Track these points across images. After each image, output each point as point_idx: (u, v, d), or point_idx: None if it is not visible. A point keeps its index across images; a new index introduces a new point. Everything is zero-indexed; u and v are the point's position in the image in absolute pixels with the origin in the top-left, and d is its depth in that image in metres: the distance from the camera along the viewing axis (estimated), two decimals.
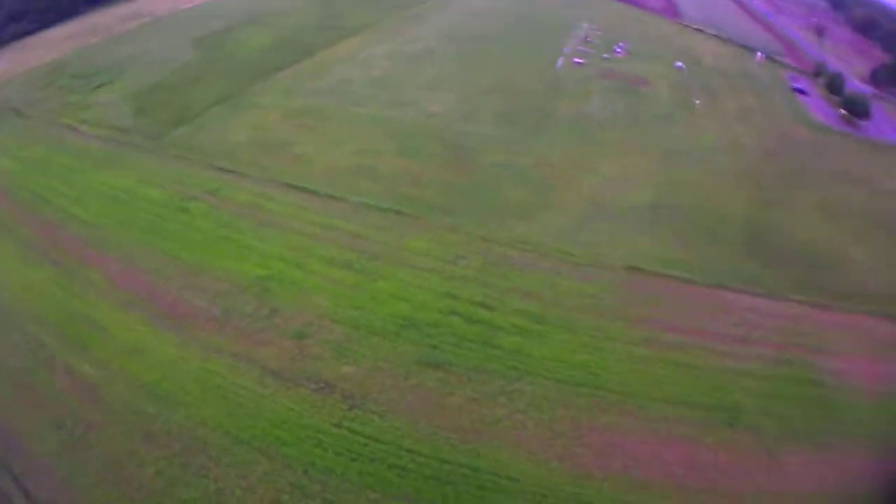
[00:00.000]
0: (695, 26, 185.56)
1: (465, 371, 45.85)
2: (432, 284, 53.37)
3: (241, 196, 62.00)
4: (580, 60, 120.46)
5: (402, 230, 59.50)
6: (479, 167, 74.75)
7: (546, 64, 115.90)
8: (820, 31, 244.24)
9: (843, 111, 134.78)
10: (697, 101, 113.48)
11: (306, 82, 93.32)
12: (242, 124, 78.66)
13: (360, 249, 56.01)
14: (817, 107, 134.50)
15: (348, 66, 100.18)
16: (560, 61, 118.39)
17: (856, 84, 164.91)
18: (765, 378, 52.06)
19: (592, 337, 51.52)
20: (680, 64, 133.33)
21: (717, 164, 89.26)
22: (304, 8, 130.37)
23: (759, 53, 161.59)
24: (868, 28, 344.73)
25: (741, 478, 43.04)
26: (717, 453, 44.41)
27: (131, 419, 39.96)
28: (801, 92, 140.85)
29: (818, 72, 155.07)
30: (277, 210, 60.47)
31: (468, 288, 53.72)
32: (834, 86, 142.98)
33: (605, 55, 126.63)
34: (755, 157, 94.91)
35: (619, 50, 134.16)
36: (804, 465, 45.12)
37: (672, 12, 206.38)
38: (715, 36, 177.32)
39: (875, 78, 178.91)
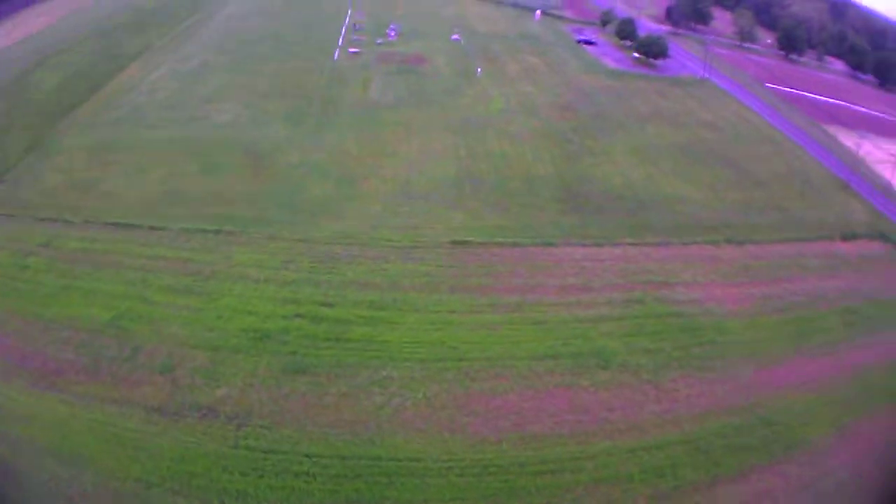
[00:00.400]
0: None
1: (330, 369, 52.84)
2: (270, 293, 61.09)
3: (72, 243, 68.92)
4: (355, 49, 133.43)
5: (227, 248, 67.92)
6: (280, 171, 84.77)
7: (323, 57, 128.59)
8: None
9: (636, 54, 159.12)
10: (479, 69, 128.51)
11: (101, 115, 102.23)
12: (54, 169, 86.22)
13: (194, 273, 63.49)
14: (609, 55, 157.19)
15: (136, 94, 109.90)
16: (336, 53, 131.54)
17: (650, 26, 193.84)
18: (621, 319, 62.49)
19: (438, 313, 59.88)
20: (456, 36, 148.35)
21: (514, 127, 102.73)
22: (83, 42, 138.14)
23: (536, 12, 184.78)
24: None
25: (632, 410, 52.19)
26: (599, 393, 53.18)
27: (49, 489, 43.44)
28: (589, 43, 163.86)
29: (606, 20, 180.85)
30: (107, 249, 67.63)
31: (304, 289, 61.72)
32: (625, 31, 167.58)
33: (378, 40, 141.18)
34: (551, 113, 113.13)
35: (391, 33, 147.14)
36: (692, 387, 55.51)
37: None
38: (486, 1, 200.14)
39: (670, 16, 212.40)
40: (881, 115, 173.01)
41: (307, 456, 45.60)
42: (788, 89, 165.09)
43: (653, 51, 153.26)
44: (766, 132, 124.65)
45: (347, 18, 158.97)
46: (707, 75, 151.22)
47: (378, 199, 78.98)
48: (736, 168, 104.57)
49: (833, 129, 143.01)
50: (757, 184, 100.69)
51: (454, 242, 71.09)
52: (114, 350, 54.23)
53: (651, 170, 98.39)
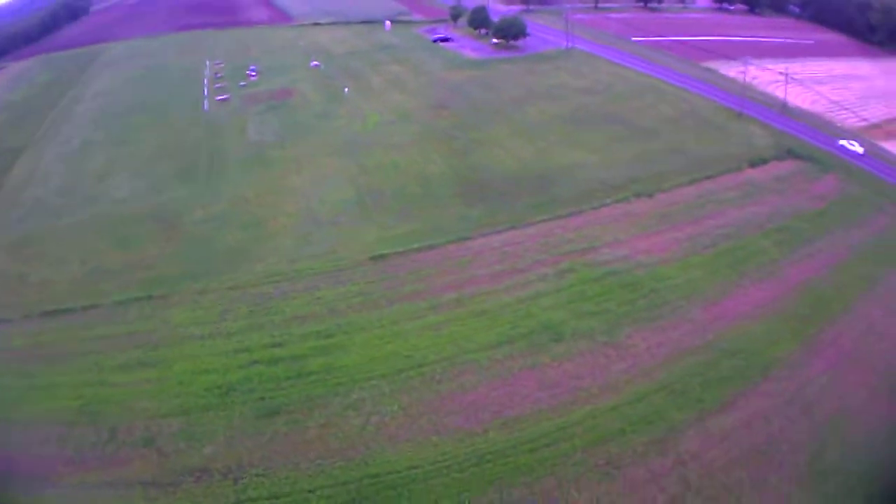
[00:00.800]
0: (309, 21, 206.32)
1: (302, 405, 54.40)
2: (220, 347, 61.87)
3: (17, 341, 67.82)
4: (223, 97, 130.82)
5: (163, 311, 67.98)
6: (189, 229, 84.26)
7: (194, 112, 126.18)
8: None
9: (495, 40, 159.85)
10: (346, 89, 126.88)
11: (7, 215, 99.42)
12: None
13: (141, 344, 63.50)
14: (467, 46, 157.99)
15: (32, 187, 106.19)
16: (206, 104, 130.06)
17: (500, 9, 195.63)
18: (559, 291, 66.34)
19: (384, 327, 62.29)
20: (315, 63, 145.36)
21: (395, 137, 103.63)
22: None
23: (385, 22, 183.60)
24: None
25: (600, 373, 55.75)
26: (563, 365, 56.63)
27: None
28: (445, 40, 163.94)
29: (456, 14, 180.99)
30: (53, 340, 66.65)
31: (251, 336, 62.83)
32: (477, 20, 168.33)
33: (241, 83, 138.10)
34: (427, 115, 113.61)
35: (252, 74, 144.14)
36: (649, 339, 59.82)
37: (282, 17, 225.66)
38: (335, 23, 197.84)
39: None
40: (762, 39, 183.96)
41: (310, 492, 47.08)
42: (657, 38, 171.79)
43: (511, 32, 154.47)
44: (644, 83, 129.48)
45: (206, 70, 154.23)
46: (571, 44, 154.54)
47: (288, 233, 79.84)
48: (624, 124, 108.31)
49: (714, 64, 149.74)
50: (649, 133, 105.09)
51: (374, 258, 72.85)
52: (92, 436, 54.04)
53: (541, 145, 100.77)
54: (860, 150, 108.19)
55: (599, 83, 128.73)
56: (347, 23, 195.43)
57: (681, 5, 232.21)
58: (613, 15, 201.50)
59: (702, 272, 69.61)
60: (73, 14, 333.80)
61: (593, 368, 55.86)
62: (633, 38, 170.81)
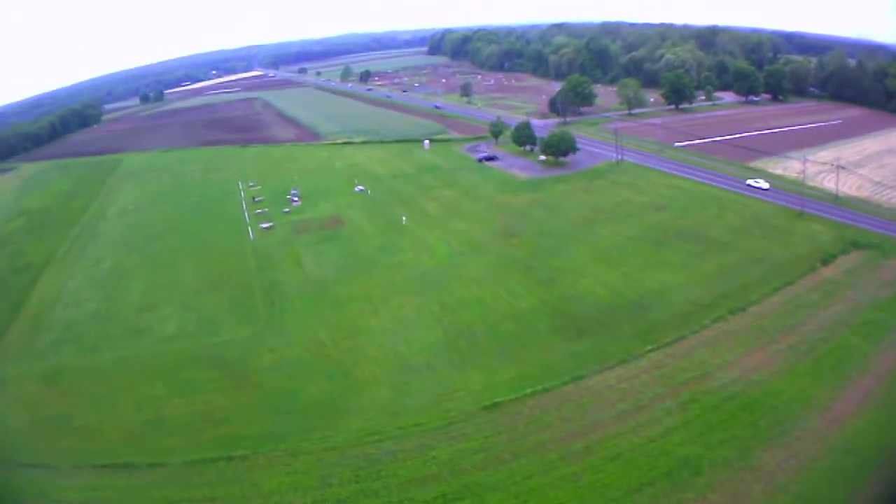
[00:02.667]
0: (340, 140, 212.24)
1: None
2: None
3: (70, 494, 64.29)
4: (267, 224, 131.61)
5: (248, 475, 63.87)
6: (259, 377, 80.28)
7: (238, 239, 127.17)
8: (466, 90, 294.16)
9: (542, 157, 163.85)
10: (404, 218, 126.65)
11: (36, 339, 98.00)
12: (12, 404, 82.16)
13: None
14: (515, 165, 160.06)
15: (62, 308, 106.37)
16: (249, 231, 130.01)
17: (538, 123, 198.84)
18: (686, 424, 66.44)
19: (517, 484, 59.47)
20: (360, 187, 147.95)
21: (471, 270, 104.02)
22: None
23: (424, 142, 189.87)
24: (507, 58, 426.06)
25: (742, 499, 56.74)
26: (708, 498, 57.09)
27: None
28: (490, 159, 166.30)
29: (496, 130, 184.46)
30: (114, 499, 63.27)
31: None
32: (522, 137, 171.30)
33: (284, 210, 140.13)
34: (497, 244, 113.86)
35: (294, 199, 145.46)
36: (777, 457, 60.75)
37: (310, 136, 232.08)
38: (368, 142, 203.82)
39: (554, 107, 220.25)
40: (794, 128, 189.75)
41: None
42: (698, 141, 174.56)
43: (561, 149, 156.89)
44: (704, 194, 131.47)
45: (241, 192, 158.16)
46: (620, 156, 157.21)
47: (380, 382, 76.35)
48: (697, 239, 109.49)
49: (760, 163, 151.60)
50: (724, 246, 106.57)
51: (487, 408, 69.75)
52: None
53: (624, 269, 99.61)
54: None
55: (661, 197, 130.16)
56: (381, 142, 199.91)
57: (709, 104, 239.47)
58: (649, 120, 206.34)
59: (809, 380, 70.90)
60: (84, 122, 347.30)
61: (735, 495, 56.24)
62: (676, 144, 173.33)
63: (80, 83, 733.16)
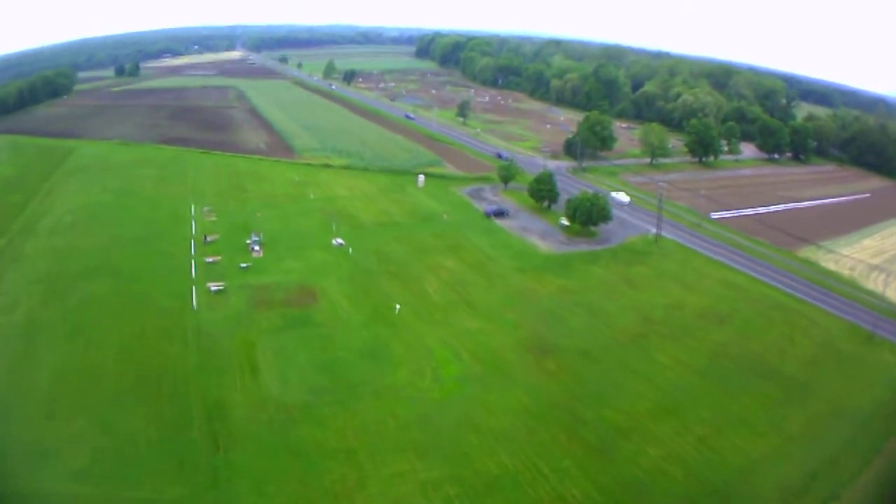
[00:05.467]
0: (316, 160, 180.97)
1: None
2: None
3: None
4: (217, 286, 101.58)
5: None
6: None
7: (179, 306, 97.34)
8: (463, 110, 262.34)
9: (564, 222, 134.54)
10: (398, 307, 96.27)
11: None
12: None
13: None
14: (531, 228, 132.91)
15: None
16: (193, 294, 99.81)
17: (549, 165, 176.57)
18: None
19: None
20: (339, 240, 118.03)
21: (492, 416, 75.00)
22: None
23: (419, 177, 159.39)
24: (502, 74, 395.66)
25: None
26: None
27: None
28: (500, 214, 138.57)
29: (507, 175, 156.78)
30: None
31: None
32: (541, 192, 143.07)
33: (241, 264, 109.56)
34: (525, 368, 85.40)
35: (255, 247, 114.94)
36: None
37: (282, 147, 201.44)
38: (350, 168, 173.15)
39: (570, 151, 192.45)
40: (825, 202, 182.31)
41: None
42: (735, 213, 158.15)
43: (592, 219, 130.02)
44: (764, 298, 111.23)
45: (193, 223, 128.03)
46: (659, 231, 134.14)
47: None
48: (772, 375, 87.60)
49: (808, 252, 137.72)
50: (802, 388, 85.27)
51: None
52: None
53: (697, 430, 74.55)
54: None
55: (718, 300, 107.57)
56: (366, 169, 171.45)
57: (732, 157, 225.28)
58: (673, 175, 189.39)
59: None
60: (54, 91, 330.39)
61: None
62: (713, 215, 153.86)
63: (64, 43, 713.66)
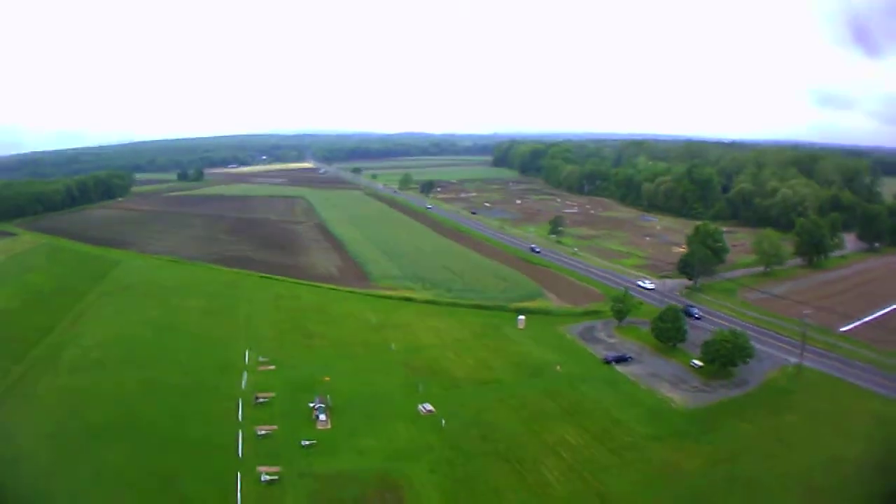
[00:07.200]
0: (396, 291, 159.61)
1: None
2: None
3: None
4: (270, 475, 78.64)
5: None
6: None
7: (218, 499, 74.91)
8: (556, 226, 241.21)
9: (696, 363, 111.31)
10: None
11: None
12: None
13: None
14: (659, 374, 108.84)
15: None
16: (238, 492, 75.62)
17: (660, 287, 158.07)
18: None
19: None
20: (428, 406, 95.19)
21: None
22: None
23: (519, 318, 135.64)
24: (589, 181, 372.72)
25: None
26: None
27: None
28: (621, 360, 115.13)
29: (621, 309, 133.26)
30: None
31: None
32: (669, 332, 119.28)
33: (303, 441, 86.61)
34: None
35: (319, 415, 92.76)
36: None
37: (356, 273, 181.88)
38: (435, 303, 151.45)
39: (686, 269, 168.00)
40: None
41: None
42: (862, 322, 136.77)
43: (731, 358, 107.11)
44: None
45: (244, 378, 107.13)
46: (801, 359, 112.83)
47: None
48: None
49: None
50: None
51: None
52: None
53: None
54: None
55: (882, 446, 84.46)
56: (454, 304, 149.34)
57: (838, 254, 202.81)
58: (789, 284, 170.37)
59: None
60: (108, 192, 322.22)
61: None
62: (841, 329, 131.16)
63: (125, 143, 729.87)
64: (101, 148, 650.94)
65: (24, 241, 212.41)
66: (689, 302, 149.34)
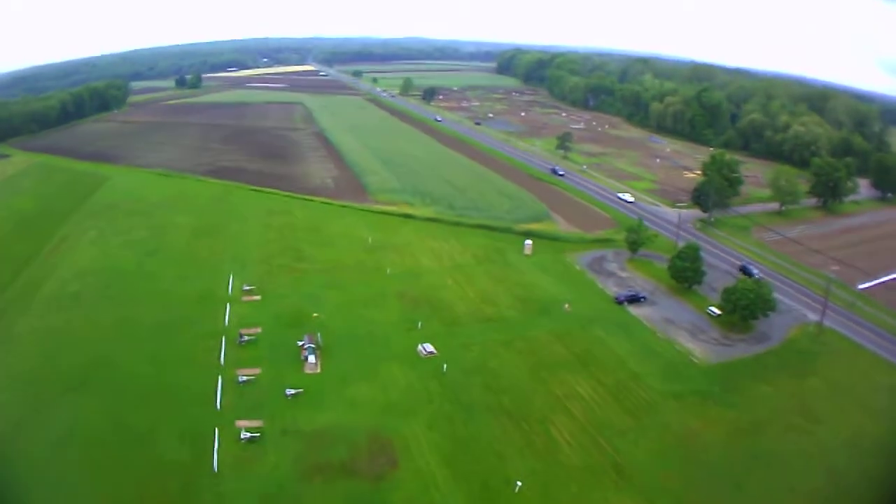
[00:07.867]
0: (394, 207, 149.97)
1: None
2: None
3: None
4: (250, 432, 69.99)
5: None
6: None
7: (190, 461, 66.55)
8: (564, 142, 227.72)
9: (714, 310, 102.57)
10: (518, 484, 62.82)
11: None
12: None
13: None
14: (677, 320, 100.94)
15: None
16: (215, 451, 67.36)
17: (672, 216, 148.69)
18: None
19: None
20: (429, 347, 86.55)
21: None
22: None
23: (526, 243, 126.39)
24: (594, 95, 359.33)
25: None
26: None
27: None
28: (634, 299, 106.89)
29: (635, 240, 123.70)
30: None
31: None
32: (687, 272, 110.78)
33: (289, 391, 77.44)
34: None
35: (308, 356, 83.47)
36: None
37: (353, 187, 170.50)
38: (436, 220, 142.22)
39: (699, 199, 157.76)
40: None
41: None
42: (882, 280, 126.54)
43: (752, 310, 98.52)
44: None
45: (228, 311, 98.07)
46: (822, 319, 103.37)
47: None
48: None
49: None
50: None
51: None
52: None
53: None
54: None
55: None
56: (457, 223, 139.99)
57: (851, 199, 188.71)
58: (804, 226, 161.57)
59: None
60: (105, 105, 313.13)
61: None
62: (860, 287, 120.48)
63: (126, 51, 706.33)
64: (100, 57, 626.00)
65: (17, 162, 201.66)
66: (705, 236, 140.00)
